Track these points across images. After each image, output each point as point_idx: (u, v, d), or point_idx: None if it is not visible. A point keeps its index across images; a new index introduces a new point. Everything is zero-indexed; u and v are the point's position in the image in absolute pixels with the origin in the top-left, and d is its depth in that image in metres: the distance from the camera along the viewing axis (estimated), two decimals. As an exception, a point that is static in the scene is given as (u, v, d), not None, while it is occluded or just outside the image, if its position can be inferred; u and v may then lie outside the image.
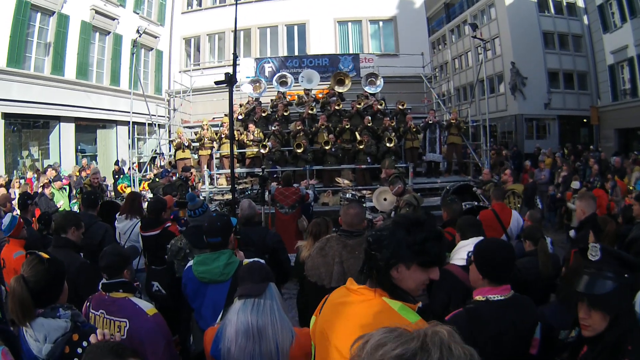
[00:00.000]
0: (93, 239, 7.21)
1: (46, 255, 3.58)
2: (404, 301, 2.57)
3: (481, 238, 4.89)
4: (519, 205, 11.87)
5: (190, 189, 14.95)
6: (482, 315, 3.57)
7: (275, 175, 16.40)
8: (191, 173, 16.74)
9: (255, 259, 4.48)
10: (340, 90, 23.33)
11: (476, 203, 12.86)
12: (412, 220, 2.68)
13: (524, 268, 5.82)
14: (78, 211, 9.74)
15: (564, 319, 4.23)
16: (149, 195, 15.79)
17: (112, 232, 7.91)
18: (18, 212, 10.92)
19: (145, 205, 9.06)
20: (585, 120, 41.98)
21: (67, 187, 18.29)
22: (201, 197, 15.64)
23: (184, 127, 23.95)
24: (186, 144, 19.99)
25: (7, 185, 16.90)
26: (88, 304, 4.28)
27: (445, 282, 4.69)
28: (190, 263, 5.05)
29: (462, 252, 4.85)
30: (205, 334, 3.74)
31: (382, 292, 2.60)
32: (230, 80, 6.38)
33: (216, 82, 6.74)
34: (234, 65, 6.67)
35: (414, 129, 19.02)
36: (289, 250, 7.67)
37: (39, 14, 24.13)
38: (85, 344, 3.24)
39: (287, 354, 3.35)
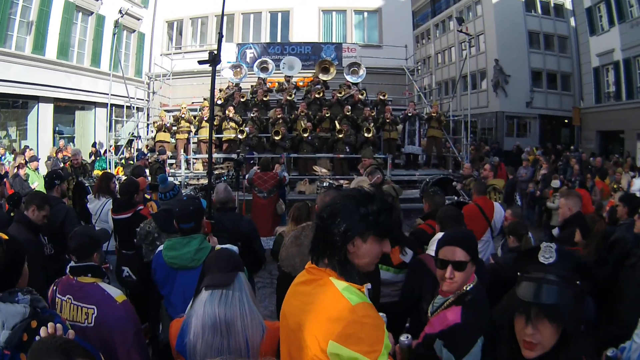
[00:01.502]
0: (54, 221, 7.07)
1: (5, 236, 3.38)
2: (351, 281, 2.53)
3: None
4: (499, 202, 11.86)
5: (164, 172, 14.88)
6: None
7: (252, 162, 16.33)
8: (167, 156, 16.66)
9: (227, 246, 4.38)
10: (324, 78, 23.34)
11: (456, 198, 12.82)
12: (364, 193, 2.68)
13: (506, 264, 5.74)
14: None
15: None
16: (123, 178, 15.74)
17: (73, 214, 7.81)
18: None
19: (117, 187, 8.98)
20: (566, 121, 42.31)
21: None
22: (176, 181, 15.66)
23: (164, 110, 23.77)
24: (167, 126, 19.96)
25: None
26: (55, 287, 4.15)
27: (418, 271, 4.79)
28: (161, 248, 4.90)
29: (437, 243, 4.73)
30: (170, 326, 3.58)
31: (330, 272, 2.56)
32: (213, 60, 6.25)
33: (200, 62, 6.61)
34: (219, 44, 6.55)
35: (389, 120, 19.04)
36: (266, 234, 7.62)
37: (22, -8, 23.76)
38: (60, 333, 3.04)
39: (258, 349, 3.21)
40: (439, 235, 4.89)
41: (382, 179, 10.43)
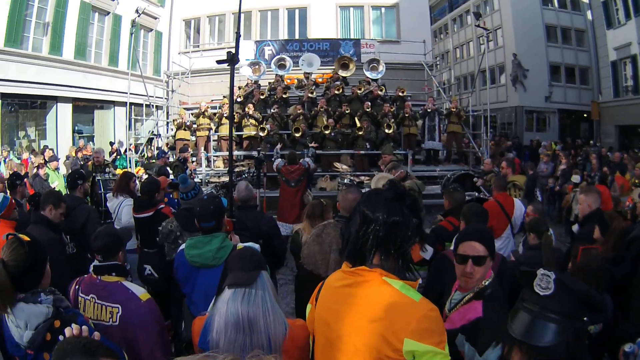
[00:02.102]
0: (76, 221, 7.11)
1: (27, 238, 3.41)
2: (404, 279, 2.56)
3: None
4: (519, 198, 11.74)
5: (186, 170, 14.87)
6: None
7: (272, 159, 16.37)
8: (190, 154, 16.62)
9: (249, 244, 4.34)
10: (344, 74, 23.24)
11: (476, 194, 12.72)
12: (413, 198, 2.66)
13: (527, 262, 5.70)
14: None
15: None
16: (145, 177, 15.72)
17: (95, 215, 7.83)
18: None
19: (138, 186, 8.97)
20: (585, 115, 42.02)
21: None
22: (197, 179, 15.73)
23: (183, 108, 23.59)
24: (188, 124, 19.87)
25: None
26: (77, 287, 4.16)
27: (440, 267, 4.77)
28: (183, 246, 4.91)
29: None
30: (193, 324, 3.53)
31: (382, 272, 2.52)
32: (232, 59, 6.21)
33: (218, 61, 6.58)
34: (237, 44, 6.51)
35: (408, 115, 18.94)
36: (291, 221, 7.60)
37: (37, -6, 23.89)
38: (86, 334, 3.05)
39: (280, 347, 3.14)
40: None
41: (405, 173, 10.53)
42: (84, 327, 2.74)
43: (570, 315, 2.32)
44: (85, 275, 4.21)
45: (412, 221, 2.53)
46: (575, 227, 7.59)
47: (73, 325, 2.75)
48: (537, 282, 2.41)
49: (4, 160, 17.36)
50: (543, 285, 2.39)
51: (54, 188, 14.02)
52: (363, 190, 11.87)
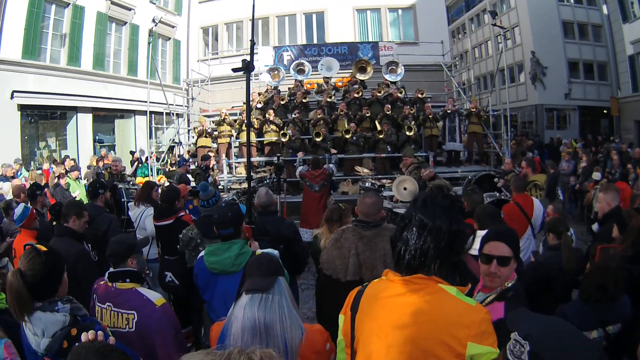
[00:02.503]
0: (97, 230, 7.16)
1: (44, 248, 3.47)
2: (457, 285, 2.58)
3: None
4: (541, 199, 11.66)
5: (208, 178, 14.97)
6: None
7: (294, 164, 16.39)
8: (213, 162, 16.70)
9: (268, 250, 4.36)
10: (362, 78, 23.19)
11: (497, 195, 12.66)
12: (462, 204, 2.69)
13: (546, 263, 5.73)
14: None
15: (586, 319, 4.21)
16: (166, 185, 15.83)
17: (117, 224, 7.81)
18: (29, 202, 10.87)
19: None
20: (605, 112, 41.64)
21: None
22: (220, 186, 16.04)
23: (203, 115, 23.81)
24: (209, 131, 19.99)
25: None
26: (94, 296, 4.30)
27: (459, 271, 4.64)
28: (202, 253, 4.96)
29: (477, 241, 4.59)
30: (211, 329, 3.58)
31: (437, 279, 2.54)
32: (247, 67, 6.23)
33: (234, 69, 6.60)
34: (252, 51, 6.54)
35: (430, 116, 18.88)
36: (315, 226, 7.62)
37: (53, 6, 24.21)
38: (101, 339, 3.11)
39: (297, 352, 3.17)
40: (479, 233, 4.94)
41: (434, 173, 11.12)
42: (99, 332, 2.76)
43: None
44: (102, 283, 4.29)
45: (463, 240, 2.58)
46: (595, 226, 7.55)
47: (89, 331, 2.76)
48: (510, 347, 2.49)
49: (17, 174, 17.36)
50: (516, 354, 2.46)
51: (75, 197, 14.16)
52: (383, 194, 11.94)
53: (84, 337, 2.69)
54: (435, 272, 2.52)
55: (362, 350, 2.67)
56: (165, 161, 22.09)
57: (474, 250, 4.60)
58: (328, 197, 12.43)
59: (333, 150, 16.64)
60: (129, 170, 22.09)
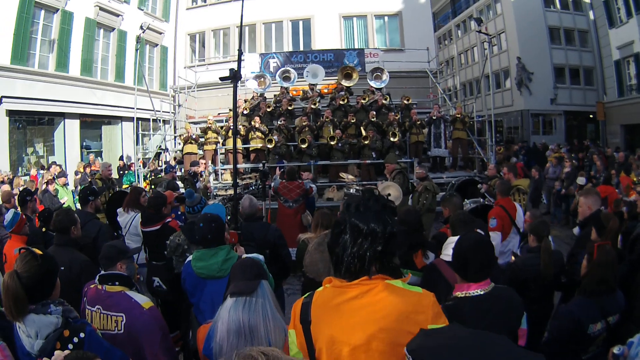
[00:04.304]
0: (87, 236, 7.09)
1: (39, 251, 3.56)
2: (399, 278, 2.67)
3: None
4: (524, 202, 11.74)
5: (196, 184, 15.01)
6: (462, 311, 3.57)
7: (282, 170, 16.41)
8: (200, 168, 16.67)
9: (253, 255, 4.47)
10: (347, 84, 23.21)
11: (482, 200, 12.72)
12: (392, 207, 2.80)
13: (524, 264, 5.84)
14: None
15: (591, 313, 4.34)
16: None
17: (106, 230, 7.81)
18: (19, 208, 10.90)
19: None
20: (591, 116, 41.76)
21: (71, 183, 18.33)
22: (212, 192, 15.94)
23: (189, 122, 23.83)
24: (194, 138, 19.99)
25: (12, 183, 16.87)
26: (84, 299, 4.40)
27: (431, 277, 4.85)
28: (190, 258, 5.08)
29: (449, 247, 4.74)
30: (198, 331, 3.76)
31: (384, 276, 2.61)
32: (234, 76, 6.33)
33: (221, 78, 6.71)
34: (239, 61, 6.62)
35: (419, 123, 18.99)
36: (292, 245, 7.68)
37: (42, 11, 24.19)
38: (76, 340, 3.29)
39: (280, 353, 3.26)
40: (452, 239, 4.95)
41: (426, 174, 11.80)
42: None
43: None
44: (92, 286, 4.39)
45: (398, 228, 2.64)
46: (576, 230, 7.67)
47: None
48: None
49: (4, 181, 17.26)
50: None
51: (63, 204, 14.19)
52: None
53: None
54: (376, 273, 2.61)
55: (327, 357, 2.71)
56: (149, 168, 22.01)
57: (447, 256, 4.76)
58: (304, 212, 11.77)
59: (308, 176, 16.15)
60: (115, 176, 22.23)
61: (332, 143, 17.85)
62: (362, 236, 2.60)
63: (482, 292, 3.63)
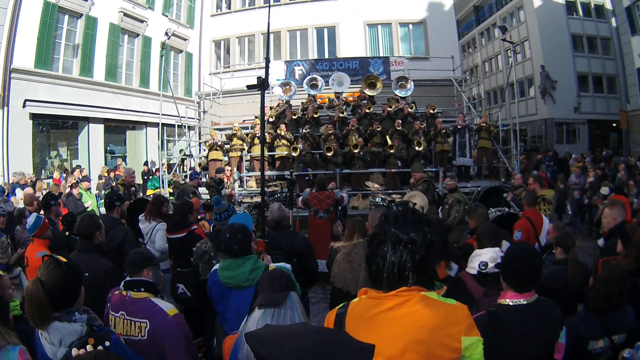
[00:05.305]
0: (113, 241, 7.11)
1: (64, 259, 3.55)
2: (433, 290, 2.79)
3: (497, 249, 4.90)
4: (549, 212, 11.65)
5: (222, 191, 15.10)
6: (503, 319, 3.60)
7: (306, 178, 16.36)
8: (228, 175, 16.79)
9: (280, 264, 4.43)
10: (370, 94, 23.14)
11: (507, 209, 12.61)
12: (428, 219, 2.82)
13: (551, 276, 5.77)
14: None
15: (593, 329, 4.28)
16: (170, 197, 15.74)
17: (132, 236, 7.77)
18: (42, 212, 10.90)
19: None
20: (614, 125, 41.58)
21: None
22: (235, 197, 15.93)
23: (215, 129, 23.75)
24: (219, 144, 19.97)
25: (34, 185, 16.92)
26: (108, 305, 4.37)
27: (456, 289, 4.74)
28: (216, 267, 5.05)
29: (475, 260, 4.82)
30: (224, 342, 3.72)
31: (419, 288, 2.61)
32: (262, 84, 6.31)
33: (248, 86, 6.68)
34: (267, 69, 6.62)
35: (444, 131, 18.93)
36: (322, 257, 7.61)
37: (66, 17, 24.46)
38: (100, 348, 3.18)
39: (308, 366, 3.21)
40: (479, 252, 4.95)
41: (456, 185, 11.72)
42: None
43: None
44: (116, 292, 4.38)
45: (436, 252, 2.69)
46: (600, 242, 7.57)
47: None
48: None
49: (21, 186, 17.18)
50: None
51: (87, 208, 14.22)
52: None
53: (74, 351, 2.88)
54: (413, 284, 2.60)
55: None
56: (175, 173, 21.93)
57: (472, 269, 4.77)
58: (334, 222, 11.66)
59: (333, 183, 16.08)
60: (139, 182, 22.35)
61: (355, 151, 17.79)
62: (402, 246, 2.60)
63: (525, 302, 3.64)
